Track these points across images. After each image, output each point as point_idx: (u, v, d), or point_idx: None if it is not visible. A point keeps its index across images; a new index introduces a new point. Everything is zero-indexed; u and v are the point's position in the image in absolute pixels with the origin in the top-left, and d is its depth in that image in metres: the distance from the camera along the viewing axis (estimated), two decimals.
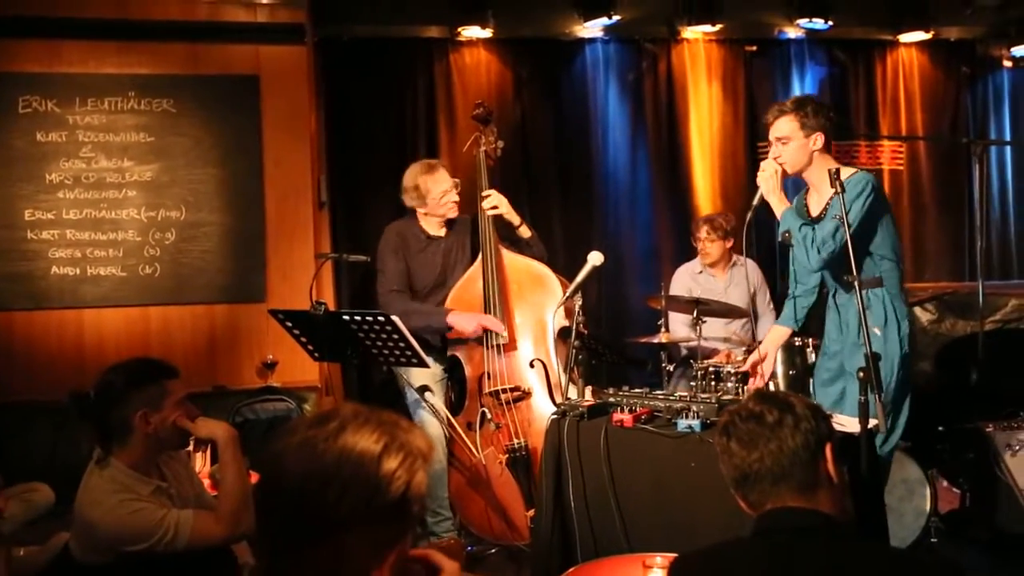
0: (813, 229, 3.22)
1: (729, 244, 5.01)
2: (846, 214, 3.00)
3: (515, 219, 4.21)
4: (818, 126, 3.25)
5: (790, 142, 3.28)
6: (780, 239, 3.38)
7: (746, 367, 3.50)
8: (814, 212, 3.35)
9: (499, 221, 4.18)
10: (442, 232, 4.28)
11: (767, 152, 6.17)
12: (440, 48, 5.90)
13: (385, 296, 4.14)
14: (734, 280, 5.00)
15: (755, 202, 3.44)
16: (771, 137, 3.34)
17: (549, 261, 4.29)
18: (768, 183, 3.33)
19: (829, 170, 3.11)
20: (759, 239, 6.27)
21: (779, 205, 3.34)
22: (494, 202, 4.13)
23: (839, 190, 3.01)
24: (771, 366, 3.50)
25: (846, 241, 2.99)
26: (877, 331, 3.18)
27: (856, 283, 2.93)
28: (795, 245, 3.30)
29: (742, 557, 1.68)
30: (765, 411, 1.74)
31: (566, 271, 4.20)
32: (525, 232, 4.24)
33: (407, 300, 4.11)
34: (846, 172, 3.21)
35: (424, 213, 4.24)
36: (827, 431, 1.76)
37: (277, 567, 1.29)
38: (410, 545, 1.37)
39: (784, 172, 3.33)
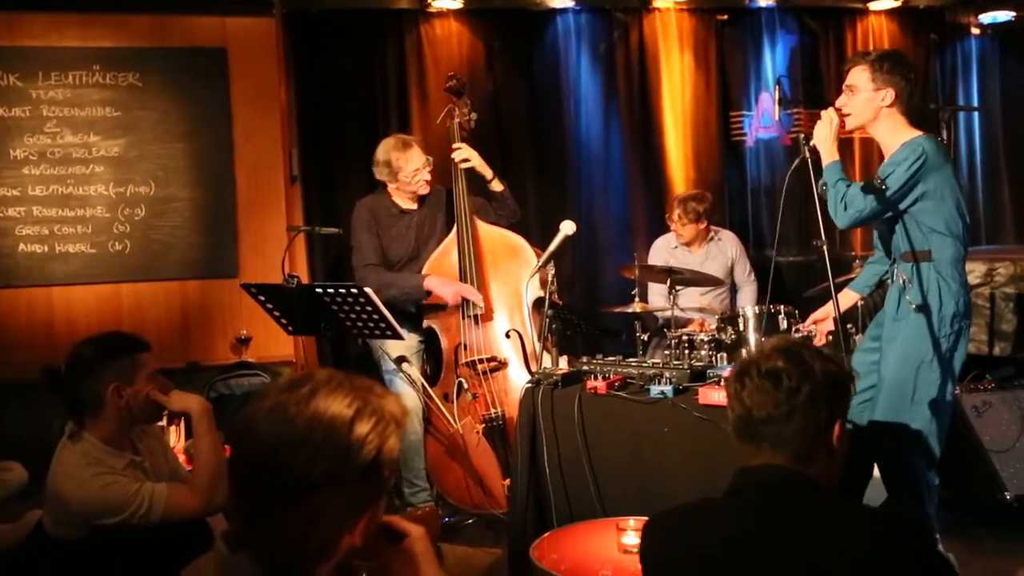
0: (848, 185, 3.07)
1: (704, 224, 5.00)
2: (887, 177, 2.93)
3: (487, 172, 4.21)
4: (890, 82, 3.07)
5: (858, 92, 3.12)
6: (818, 191, 3.15)
7: (809, 323, 3.52)
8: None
9: (472, 176, 4.17)
10: (414, 205, 4.27)
11: (740, 120, 6.29)
12: (411, 19, 5.84)
13: (361, 271, 4.13)
14: (710, 254, 5.02)
15: (805, 152, 3.14)
16: (844, 86, 3.19)
17: (523, 231, 4.30)
18: (822, 131, 3.12)
19: (801, 144, 3.04)
20: (741, 209, 6.33)
21: (827, 156, 3.14)
22: (465, 154, 4.13)
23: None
24: (829, 326, 3.46)
25: (882, 206, 2.93)
26: (912, 305, 3.04)
27: (894, 256, 2.87)
28: (828, 200, 3.13)
29: (713, 515, 1.69)
30: (785, 373, 1.65)
31: (540, 241, 4.21)
32: (497, 186, 4.25)
33: (382, 272, 4.11)
34: (907, 135, 3.10)
35: (395, 188, 4.22)
36: (842, 409, 1.71)
37: (249, 530, 1.30)
38: (383, 510, 1.38)
39: (843, 124, 3.15)
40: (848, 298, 3.54)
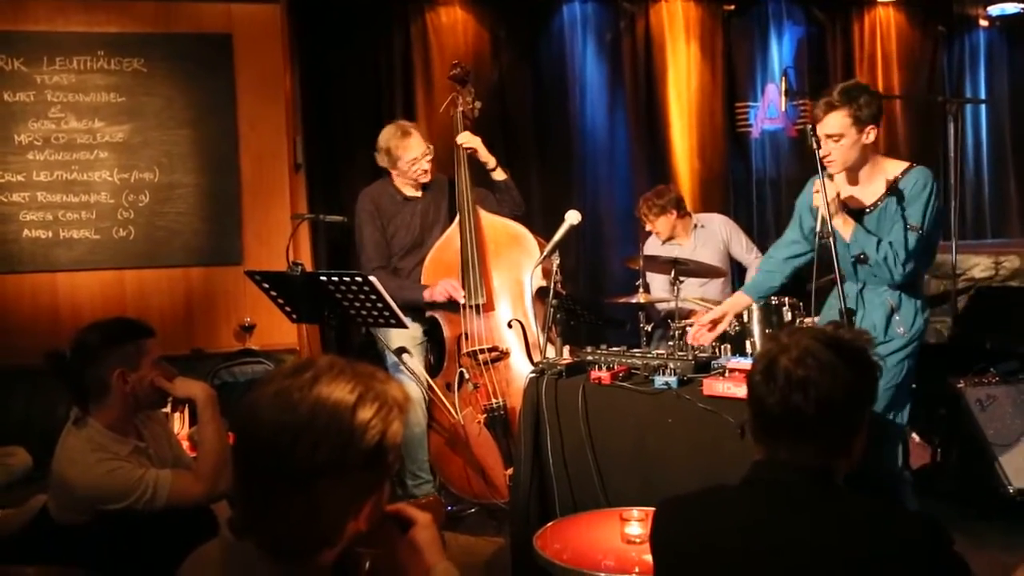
0: (891, 245, 2.99)
1: (673, 215, 4.89)
2: (922, 220, 2.94)
3: (490, 161, 4.19)
4: (871, 118, 2.97)
5: (842, 139, 2.99)
6: (853, 258, 3.06)
7: (704, 321, 3.31)
8: (859, 204, 3.09)
9: (474, 165, 4.16)
10: (418, 193, 4.26)
11: (746, 111, 6.27)
12: (416, 7, 5.83)
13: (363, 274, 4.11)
14: (699, 242, 4.94)
15: (818, 228, 2.98)
16: (820, 133, 3.01)
17: (527, 220, 4.28)
18: (829, 208, 2.92)
19: (808, 136, 2.98)
20: (746, 200, 6.31)
21: (845, 228, 3.03)
22: (467, 138, 4.11)
23: (899, 195, 2.94)
24: (723, 328, 3.32)
25: (922, 248, 2.95)
26: (901, 331, 3.06)
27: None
28: (873, 265, 3.02)
29: (727, 503, 1.67)
30: (814, 385, 1.58)
31: (544, 231, 4.19)
32: (500, 175, 4.23)
33: (388, 279, 4.08)
34: (899, 166, 3.05)
35: (397, 175, 4.21)
36: (865, 415, 1.67)
37: (253, 516, 1.30)
38: (387, 496, 1.38)
39: (830, 175, 3.05)
40: (741, 301, 3.42)
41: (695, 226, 4.99)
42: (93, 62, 5.04)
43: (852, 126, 2.97)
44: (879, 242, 3.01)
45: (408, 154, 4.11)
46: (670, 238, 4.96)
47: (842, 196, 3.06)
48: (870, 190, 3.10)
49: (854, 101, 2.97)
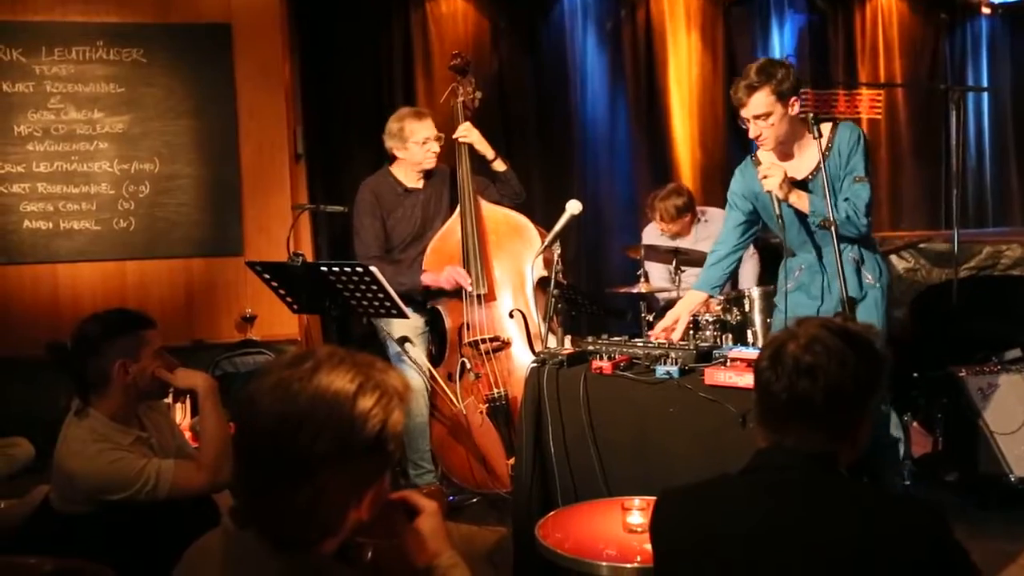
0: (847, 202, 3.05)
1: (688, 217, 4.88)
2: (864, 169, 3.01)
3: (488, 152, 4.18)
4: (792, 90, 3.04)
5: (771, 116, 3.05)
6: (818, 226, 3.05)
7: (657, 331, 3.28)
8: (799, 175, 3.14)
9: (475, 156, 4.15)
10: (419, 184, 4.25)
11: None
12: None
13: (364, 263, 4.11)
14: (699, 236, 4.93)
15: (777, 211, 3.05)
16: (746, 115, 3.07)
17: (528, 211, 4.28)
18: (781, 191, 3.00)
19: (811, 124, 3.02)
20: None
21: (801, 201, 3.05)
22: (465, 131, 4.11)
23: (824, 147, 3.01)
24: (680, 333, 3.28)
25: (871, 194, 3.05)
26: (871, 279, 3.16)
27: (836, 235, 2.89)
28: (840, 225, 3.00)
29: (730, 492, 1.67)
30: (823, 373, 1.57)
31: (545, 221, 4.19)
32: (500, 166, 4.22)
33: (384, 266, 4.07)
34: (824, 129, 3.11)
35: (402, 159, 4.19)
36: (872, 405, 1.66)
37: (255, 506, 1.30)
38: (389, 485, 1.38)
39: (765, 155, 3.14)
40: (694, 299, 3.39)
41: (697, 220, 4.99)
42: (92, 52, 5.03)
43: (777, 102, 3.03)
44: (835, 203, 3.03)
45: (420, 133, 4.11)
46: (676, 234, 4.95)
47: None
48: (805, 159, 3.17)
49: (772, 77, 3.01)
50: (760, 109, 3.04)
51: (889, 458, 3.33)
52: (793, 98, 3.07)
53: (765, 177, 3.05)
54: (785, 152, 3.19)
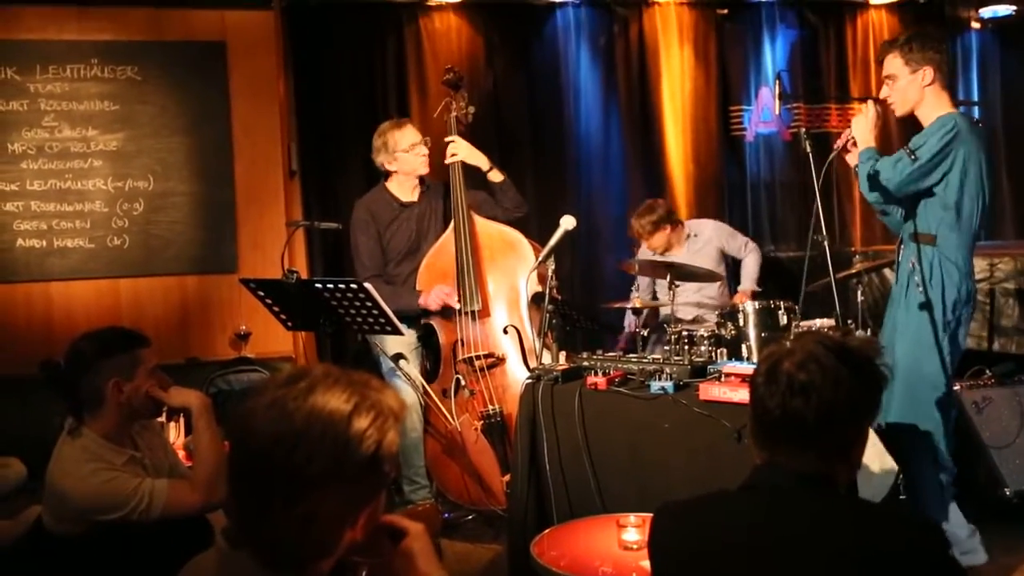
0: (878, 160, 3.09)
1: (667, 229, 4.87)
2: (918, 148, 2.96)
3: (482, 163, 4.17)
4: (925, 60, 3.08)
5: (897, 80, 3.13)
6: (854, 173, 3.20)
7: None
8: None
9: (471, 169, 4.15)
10: (415, 197, 4.25)
11: (740, 115, 6.28)
12: (410, 13, 5.83)
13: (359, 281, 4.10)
14: (691, 250, 4.93)
15: (837, 144, 3.25)
16: (883, 76, 3.21)
17: (522, 226, 4.27)
18: (859, 123, 3.15)
19: (802, 139, 3.07)
20: (741, 204, 6.31)
21: (862, 143, 3.15)
22: (452, 149, 4.11)
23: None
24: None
25: (911, 177, 2.97)
26: (920, 289, 3.08)
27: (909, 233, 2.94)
28: (860, 177, 3.15)
29: (727, 508, 1.66)
30: (816, 391, 1.55)
31: (539, 237, 4.19)
32: (496, 176, 4.21)
33: (381, 285, 4.07)
34: (942, 109, 3.10)
35: (395, 172, 4.20)
36: (868, 424, 1.65)
37: (249, 526, 1.29)
38: (384, 506, 1.37)
39: (882, 115, 3.17)
40: None
41: (688, 236, 4.98)
42: (87, 70, 5.04)
43: (905, 65, 3.10)
44: (869, 159, 3.09)
45: (405, 140, 4.12)
46: (666, 250, 4.95)
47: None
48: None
49: (908, 43, 3.11)
50: (888, 71, 3.16)
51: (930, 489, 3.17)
52: (926, 68, 3.09)
53: (858, 115, 3.16)
54: (919, 126, 3.20)
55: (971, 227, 3.12)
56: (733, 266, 5.12)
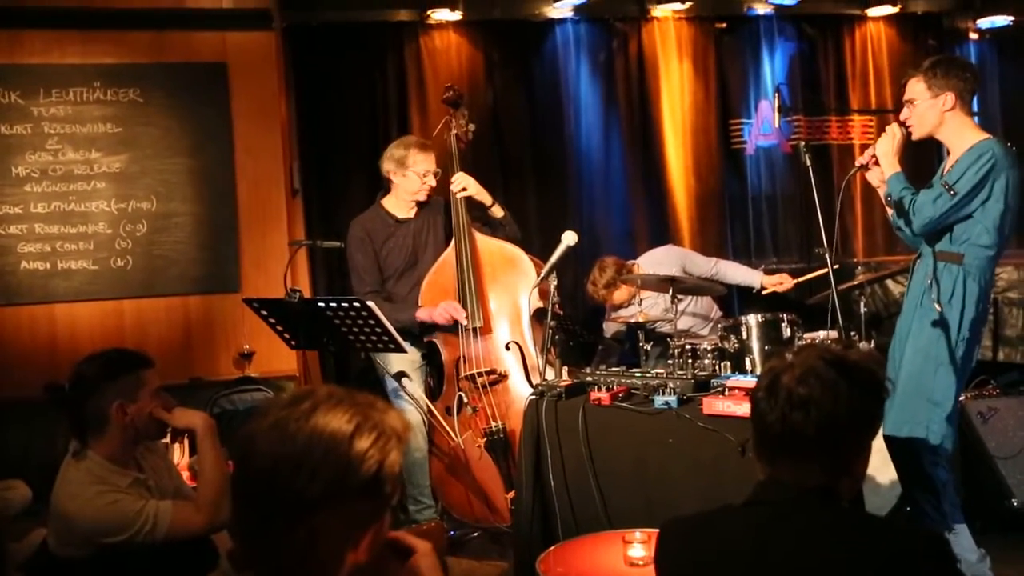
0: (914, 193, 3.08)
1: (618, 289, 4.75)
2: (955, 182, 2.96)
3: (486, 199, 4.19)
4: (948, 86, 3.10)
5: (916, 104, 3.16)
6: (885, 202, 3.19)
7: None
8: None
9: (471, 202, 4.17)
10: (411, 214, 4.26)
11: (740, 128, 6.30)
12: (410, 32, 5.86)
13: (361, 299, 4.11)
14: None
15: (859, 160, 3.30)
16: (903, 99, 3.24)
17: (524, 243, 4.29)
18: (884, 144, 3.18)
19: (801, 152, 3.11)
20: (742, 217, 6.31)
21: (888, 168, 3.16)
22: (462, 183, 4.12)
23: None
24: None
25: (951, 211, 2.97)
26: (938, 307, 3.05)
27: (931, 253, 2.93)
28: (893, 210, 3.15)
29: (732, 523, 1.65)
30: (815, 405, 1.55)
31: (541, 253, 4.19)
32: (497, 212, 4.23)
33: (379, 301, 4.08)
34: (974, 136, 3.10)
35: (396, 185, 4.21)
36: (869, 439, 1.64)
37: (252, 548, 1.29)
38: (387, 526, 1.37)
39: (907, 137, 3.18)
40: None
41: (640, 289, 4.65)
42: (89, 93, 5.07)
43: (927, 90, 3.12)
44: (903, 190, 3.09)
45: (422, 166, 4.13)
46: (630, 300, 4.77)
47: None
48: (954, 159, 3.15)
49: (932, 69, 3.13)
50: (909, 95, 3.18)
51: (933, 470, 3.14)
52: (947, 94, 3.10)
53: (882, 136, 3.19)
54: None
55: (1002, 248, 3.14)
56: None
